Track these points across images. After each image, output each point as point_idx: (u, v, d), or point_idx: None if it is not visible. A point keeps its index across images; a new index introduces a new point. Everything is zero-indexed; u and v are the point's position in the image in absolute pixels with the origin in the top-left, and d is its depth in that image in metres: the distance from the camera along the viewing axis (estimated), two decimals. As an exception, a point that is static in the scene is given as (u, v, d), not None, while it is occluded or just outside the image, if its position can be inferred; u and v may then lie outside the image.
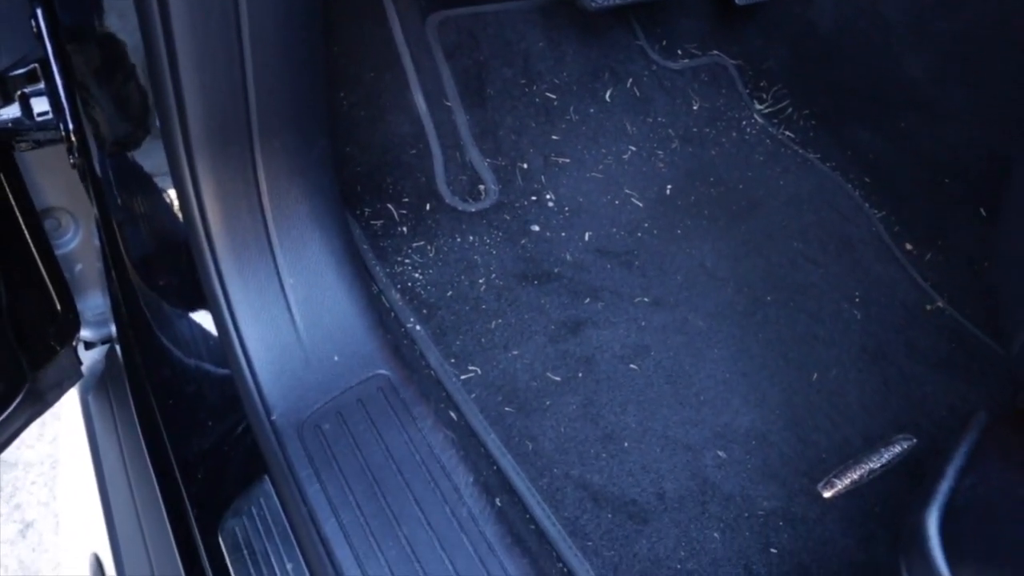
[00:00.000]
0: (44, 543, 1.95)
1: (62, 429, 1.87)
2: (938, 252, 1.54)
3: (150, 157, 1.16)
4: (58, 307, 1.34)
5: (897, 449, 1.21)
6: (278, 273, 1.09)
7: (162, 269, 1.23)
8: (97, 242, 1.38)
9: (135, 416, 1.22)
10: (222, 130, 0.97)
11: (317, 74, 1.04)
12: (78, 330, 1.40)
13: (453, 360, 1.24)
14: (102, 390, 1.40)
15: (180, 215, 1.18)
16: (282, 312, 1.09)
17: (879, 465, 1.19)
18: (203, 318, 1.21)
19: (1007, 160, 1.42)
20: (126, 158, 1.17)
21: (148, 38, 0.89)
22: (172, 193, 1.19)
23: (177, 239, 1.20)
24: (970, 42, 1.46)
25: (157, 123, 1.14)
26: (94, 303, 1.48)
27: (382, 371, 1.12)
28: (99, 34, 1.06)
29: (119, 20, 1.05)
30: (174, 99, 0.93)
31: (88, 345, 1.51)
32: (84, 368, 1.43)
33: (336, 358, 1.11)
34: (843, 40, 1.68)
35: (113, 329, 1.42)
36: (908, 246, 1.57)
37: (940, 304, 1.47)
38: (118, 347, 1.31)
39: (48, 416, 1.90)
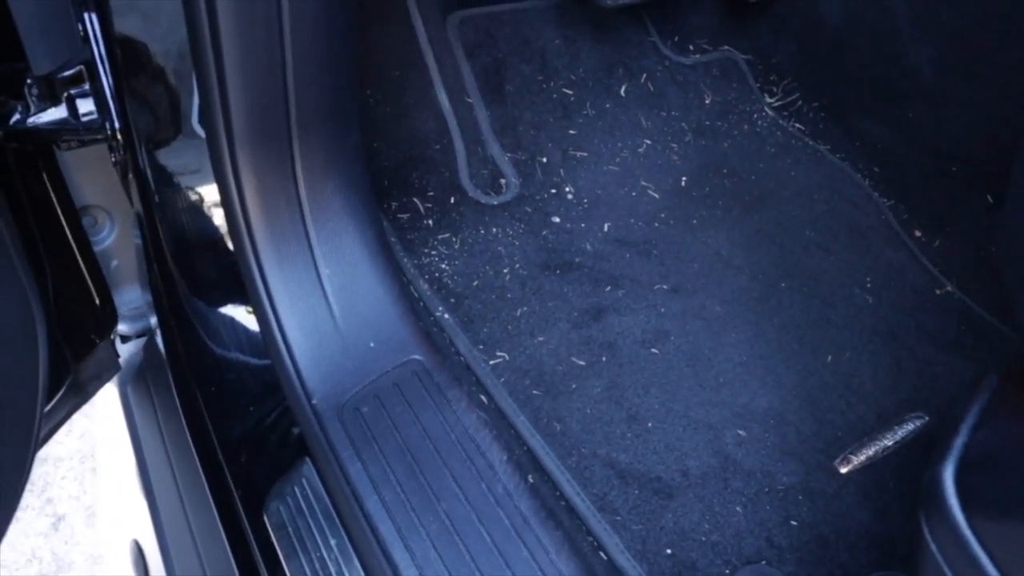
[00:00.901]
0: (76, 536, 2.00)
1: (97, 422, 1.93)
2: (946, 238, 1.58)
3: (181, 156, 1.21)
4: (97, 302, 1.39)
5: (910, 426, 1.25)
6: (315, 264, 1.14)
7: (200, 263, 1.28)
8: (135, 239, 1.43)
9: (178, 404, 1.27)
10: (263, 127, 1.02)
11: (351, 71, 1.08)
12: (116, 324, 1.46)
13: (481, 346, 1.29)
14: (141, 381, 1.45)
15: (211, 211, 1.23)
16: (319, 301, 1.14)
17: (892, 442, 1.23)
18: (238, 311, 1.26)
19: (1008, 149, 1.47)
20: (161, 156, 1.22)
21: (196, 42, 0.93)
22: (202, 190, 1.24)
23: (212, 236, 1.25)
24: (973, 34, 1.51)
25: (192, 122, 1.19)
26: (129, 298, 1.53)
27: (416, 356, 1.17)
28: (127, 39, 1.11)
29: (143, 22, 1.10)
30: (219, 99, 0.97)
31: (124, 339, 1.56)
32: (121, 361, 1.48)
33: (372, 344, 1.16)
34: (850, 33, 1.73)
35: (152, 321, 1.47)
36: (917, 233, 1.61)
37: (949, 288, 1.51)
38: (159, 339, 1.36)
39: (76, 413, 1.96)
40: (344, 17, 1.00)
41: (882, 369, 1.35)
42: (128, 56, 1.12)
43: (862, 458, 1.21)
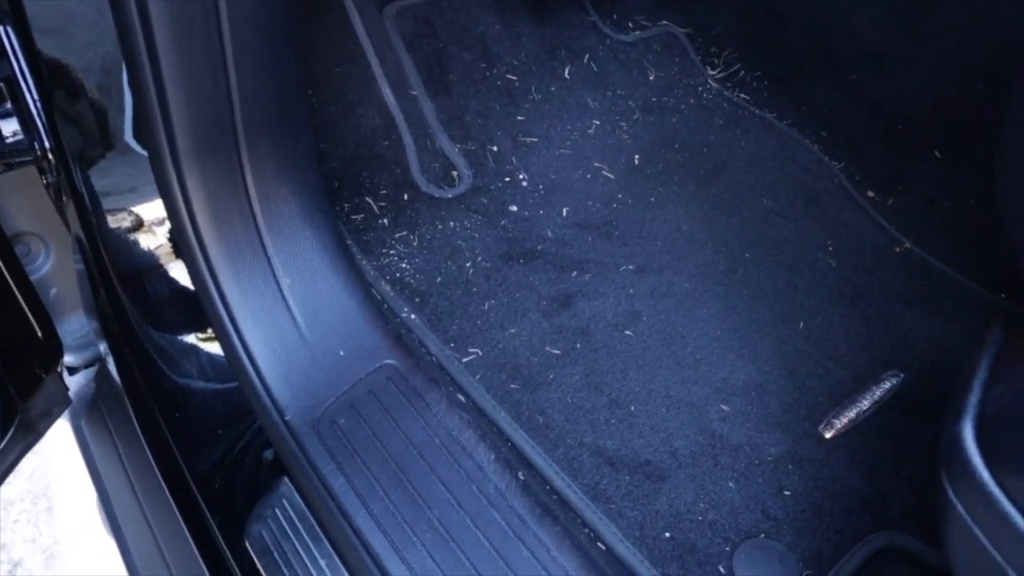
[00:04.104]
0: (35, 579, 1.90)
1: (48, 459, 1.83)
2: (898, 197, 1.60)
3: (112, 174, 1.15)
4: (39, 334, 1.31)
5: (886, 385, 1.26)
6: (274, 274, 1.09)
7: (151, 287, 1.21)
8: (75, 265, 1.35)
9: (140, 434, 1.21)
10: (209, 138, 0.96)
11: (296, 72, 1.04)
12: (62, 355, 1.37)
13: (452, 344, 1.25)
14: (95, 413, 1.37)
15: (154, 230, 1.17)
16: (282, 313, 1.09)
17: (871, 403, 1.24)
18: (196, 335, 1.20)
19: (952, 104, 1.49)
20: (93, 175, 1.15)
21: (130, 53, 0.88)
22: (141, 209, 1.18)
23: (159, 257, 1.19)
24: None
25: (125, 137, 1.13)
26: (73, 327, 1.45)
27: (388, 361, 1.13)
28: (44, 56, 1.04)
29: (56, 38, 1.04)
30: (159, 111, 0.92)
31: (71, 370, 1.48)
32: (71, 394, 1.40)
33: (341, 352, 1.11)
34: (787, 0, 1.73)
35: (101, 348, 1.40)
36: (870, 193, 1.63)
37: (908, 245, 1.53)
38: (113, 367, 1.29)
39: (22, 451, 1.85)
40: (283, 17, 0.95)
41: (853, 330, 1.35)
42: (50, 69, 1.05)
43: (844, 421, 1.21)
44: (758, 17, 1.82)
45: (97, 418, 1.36)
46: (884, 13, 1.56)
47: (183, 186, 0.99)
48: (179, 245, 1.06)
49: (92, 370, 1.47)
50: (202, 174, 0.99)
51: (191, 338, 1.20)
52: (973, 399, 0.65)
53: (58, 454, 1.49)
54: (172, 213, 1.03)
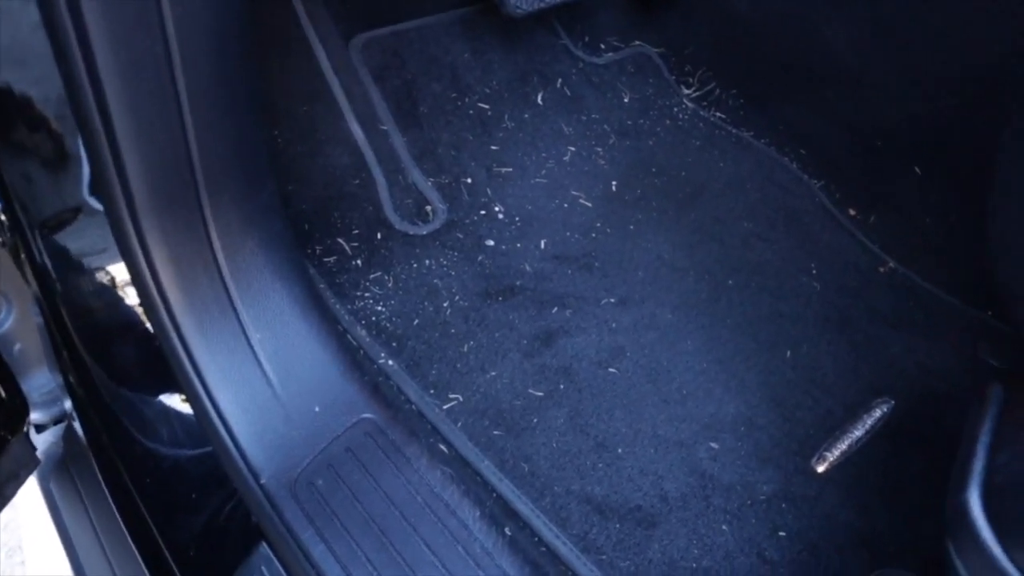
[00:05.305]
0: (11, 637, 1.84)
1: (20, 511, 1.77)
2: (881, 214, 1.58)
3: (84, 236, 1.11)
4: (2, 394, 1.27)
5: (877, 413, 1.24)
6: (244, 330, 1.05)
7: (117, 349, 1.17)
8: (37, 319, 1.30)
9: (110, 500, 1.16)
10: (167, 190, 0.92)
11: (256, 116, 1.00)
12: (27, 415, 1.33)
13: (432, 391, 1.22)
14: (64, 474, 1.32)
15: (124, 291, 1.12)
16: (254, 370, 1.05)
17: (863, 431, 1.21)
18: (165, 396, 1.16)
19: (930, 120, 1.47)
20: (62, 238, 1.11)
21: (78, 105, 0.83)
22: (112, 268, 1.13)
23: (127, 317, 1.15)
24: (886, 10, 1.50)
25: (89, 201, 1.08)
26: (40, 383, 1.39)
27: (366, 415, 1.09)
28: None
29: (19, 70, 0.99)
30: (113, 166, 0.87)
31: (39, 428, 1.42)
32: (40, 453, 1.35)
33: (317, 409, 1.07)
34: (762, 17, 1.71)
35: (67, 405, 1.35)
36: (851, 211, 1.61)
37: (892, 264, 1.51)
38: (79, 428, 1.24)
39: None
40: (241, 58, 0.91)
41: (841, 357, 1.33)
42: (12, 102, 1.01)
43: (837, 454, 1.18)
44: (732, 35, 1.80)
45: (66, 480, 1.31)
46: (856, 29, 1.54)
47: (144, 244, 0.95)
48: (143, 304, 1.02)
49: (61, 427, 1.41)
50: (163, 231, 0.95)
51: (175, 399, 1.16)
52: (978, 464, 0.62)
53: (30, 508, 1.44)
54: (134, 273, 0.98)
